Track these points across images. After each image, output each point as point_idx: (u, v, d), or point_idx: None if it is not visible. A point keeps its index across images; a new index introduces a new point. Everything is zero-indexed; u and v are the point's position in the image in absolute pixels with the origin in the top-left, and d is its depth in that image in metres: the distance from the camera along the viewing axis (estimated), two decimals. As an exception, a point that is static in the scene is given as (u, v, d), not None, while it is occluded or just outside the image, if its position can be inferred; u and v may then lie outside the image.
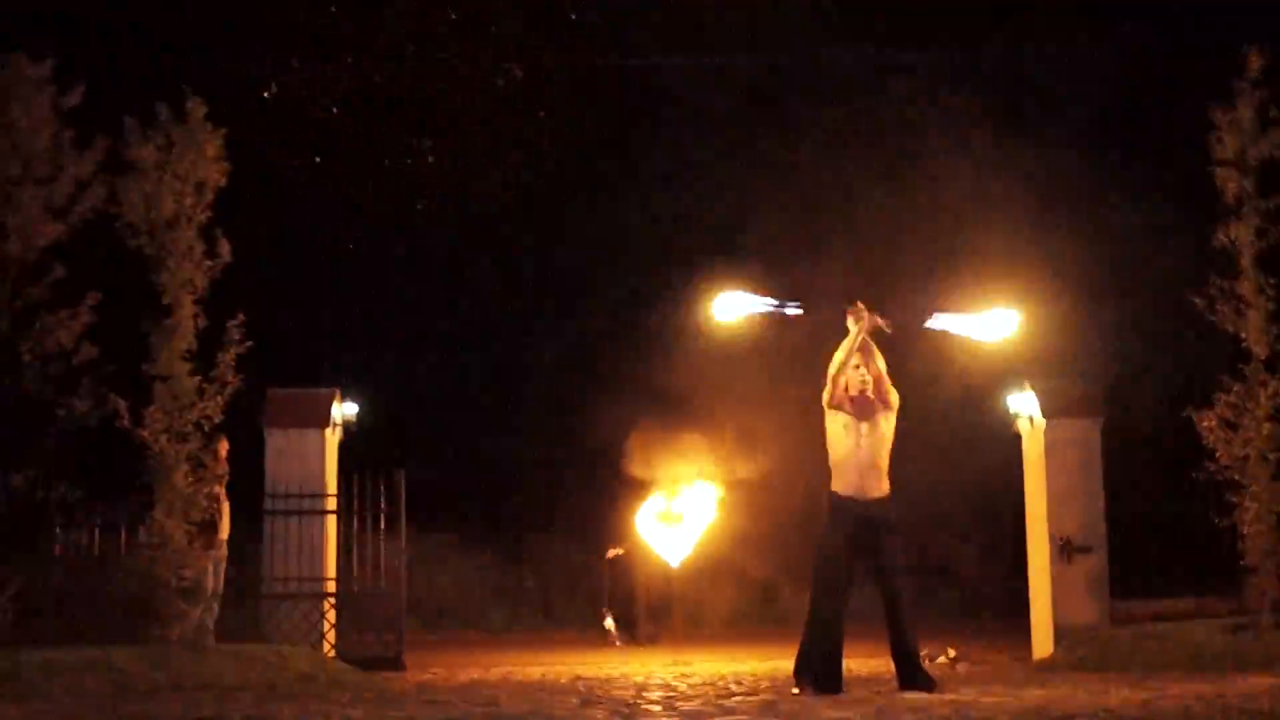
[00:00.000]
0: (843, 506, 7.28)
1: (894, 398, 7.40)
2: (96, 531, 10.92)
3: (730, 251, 19.60)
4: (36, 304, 9.69)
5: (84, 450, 10.05)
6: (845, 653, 7.29)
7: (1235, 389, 9.65)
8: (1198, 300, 9.80)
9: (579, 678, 9.79)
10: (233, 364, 9.68)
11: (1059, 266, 19.99)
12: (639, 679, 9.41)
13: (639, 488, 17.24)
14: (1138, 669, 8.82)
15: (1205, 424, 9.71)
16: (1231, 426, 9.65)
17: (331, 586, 11.39)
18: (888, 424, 7.38)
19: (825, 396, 7.40)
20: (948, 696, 6.84)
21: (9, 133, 9.62)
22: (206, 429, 9.65)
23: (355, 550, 11.57)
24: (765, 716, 6.07)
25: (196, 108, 9.69)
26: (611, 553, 16.56)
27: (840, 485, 7.32)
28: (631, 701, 7.12)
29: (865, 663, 9.55)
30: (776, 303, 7.76)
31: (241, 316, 9.74)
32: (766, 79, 22.31)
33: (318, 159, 21.11)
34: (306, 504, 11.32)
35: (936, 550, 20.26)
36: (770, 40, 21.96)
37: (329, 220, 21.82)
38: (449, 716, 6.34)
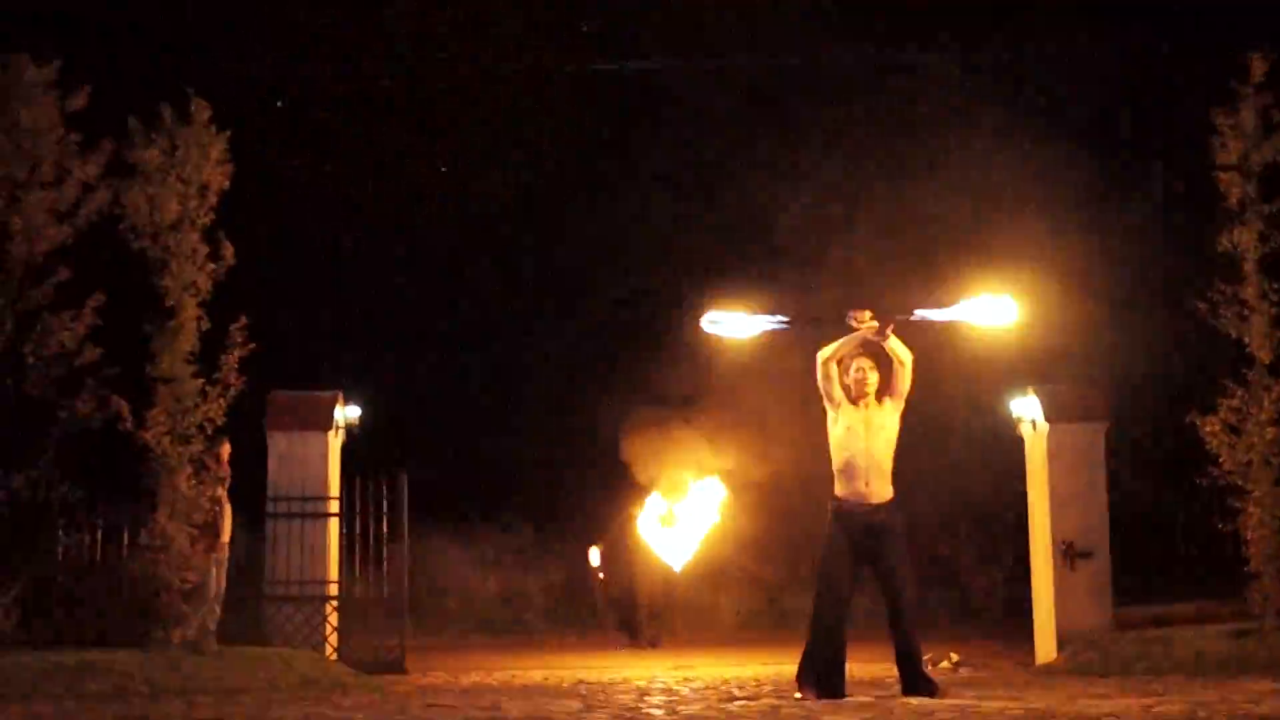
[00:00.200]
0: (845, 511, 7.27)
1: (904, 384, 7.31)
2: (99, 534, 10.93)
3: (732, 252, 19.62)
4: (40, 306, 9.70)
5: (86, 452, 10.06)
6: (848, 657, 7.28)
7: (1238, 394, 9.64)
8: (1201, 305, 9.79)
9: (581, 681, 9.79)
10: (235, 366, 9.68)
11: (1062, 271, 19.98)
12: (641, 683, 9.41)
13: (641, 489, 17.22)
14: (1141, 674, 8.81)
15: (1208, 429, 9.70)
16: (1235, 431, 9.64)
17: (334, 589, 11.39)
18: (894, 425, 7.35)
19: (821, 385, 7.33)
20: (950, 701, 6.83)
21: (16, 135, 9.64)
22: (209, 431, 9.65)
23: (357, 553, 11.56)
24: (768, 721, 6.06)
25: (200, 110, 9.70)
26: (593, 555, 16.55)
27: (843, 489, 7.31)
28: (633, 705, 7.12)
29: (868, 667, 9.54)
30: (765, 319, 7.75)
31: (244, 319, 9.73)
32: (766, 79, 22.32)
33: (319, 161, 21.14)
34: (309, 507, 11.32)
35: (939, 555, 20.25)
36: (769, 41, 21.99)
37: (331, 223, 21.85)
38: (452, 720, 6.33)
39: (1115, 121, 20.46)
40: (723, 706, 6.94)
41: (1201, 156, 10.09)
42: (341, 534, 11.53)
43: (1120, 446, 12.03)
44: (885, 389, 7.37)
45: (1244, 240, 9.72)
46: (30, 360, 9.58)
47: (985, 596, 19.89)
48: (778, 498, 17.90)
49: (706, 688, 8.77)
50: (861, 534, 7.21)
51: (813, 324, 7.86)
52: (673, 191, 22.91)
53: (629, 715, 6.47)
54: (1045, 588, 11.41)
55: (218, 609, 10.15)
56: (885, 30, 21.94)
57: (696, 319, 7.91)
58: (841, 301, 7.73)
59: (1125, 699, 6.78)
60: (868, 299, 7.64)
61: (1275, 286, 9.64)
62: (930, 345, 8.76)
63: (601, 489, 18.23)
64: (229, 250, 9.72)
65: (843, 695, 7.08)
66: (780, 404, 17.05)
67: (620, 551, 16.48)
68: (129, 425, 9.45)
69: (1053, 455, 11.40)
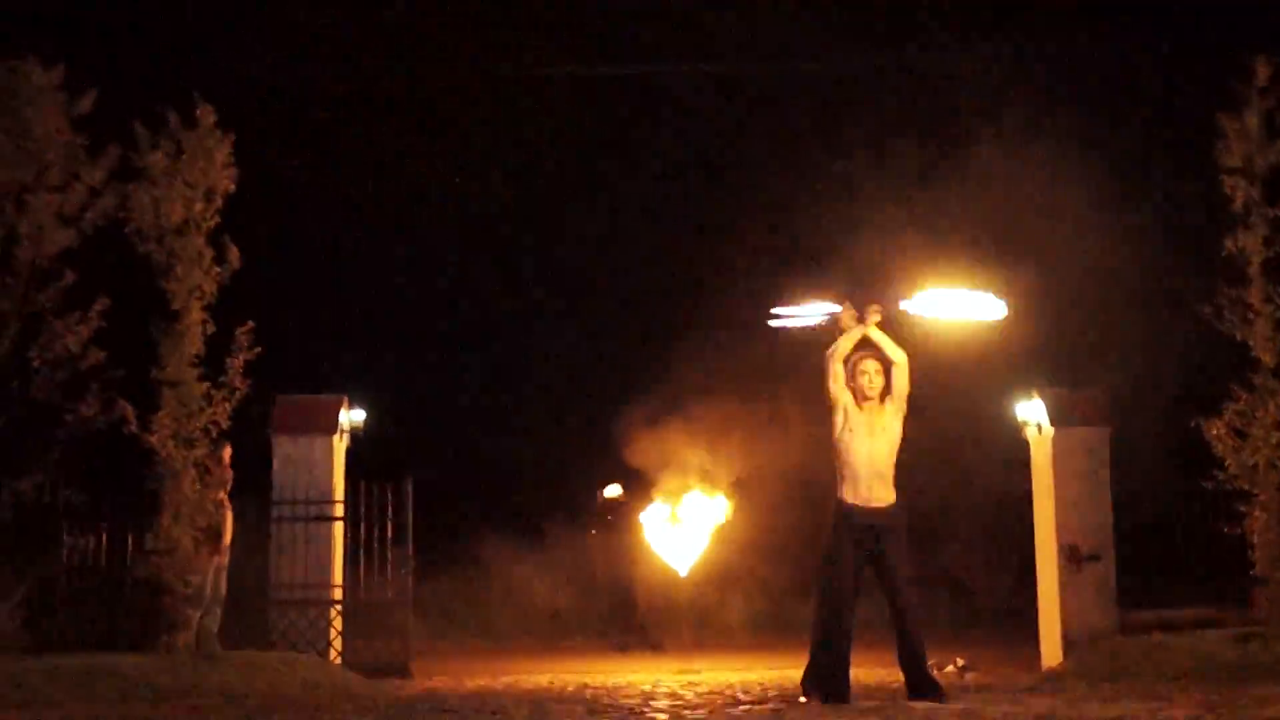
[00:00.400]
0: (849, 514, 7.26)
1: (901, 384, 7.31)
2: (104, 537, 10.94)
3: (737, 254, 19.62)
4: (46, 310, 9.72)
5: (91, 456, 10.07)
6: (853, 661, 7.27)
7: (1244, 397, 9.63)
8: (1206, 308, 9.78)
9: (586, 686, 9.78)
10: (241, 370, 9.68)
11: (1067, 275, 19.96)
12: (646, 687, 9.40)
13: (646, 494, 17.21)
14: (1147, 678, 8.78)
15: (1214, 432, 9.68)
16: (1240, 435, 9.63)
17: (339, 593, 11.39)
18: (897, 426, 7.34)
19: (827, 383, 7.32)
20: (956, 705, 6.82)
21: (24, 139, 9.66)
22: (214, 435, 9.65)
23: (362, 557, 11.56)
24: (773, 725, 6.05)
25: (206, 114, 9.71)
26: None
27: (847, 493, 7.30)
28: (638, 710, 7.11)
29: (873, 672, 9.52)
30: (825, 306, 7.66)
31: (250, 323, 9.74)
32: (768, 80, 22.36)
33: (322, 164, 21.17)
34: (314, 510, 11.32)
35: (945, 558, 20.21)
36: (769, 43, 22.02)
37: (335, 227, 21.89)
38: (456, 724, 6.32)
39: (1120, 124, 20.43)
40: (728, 711, 6.93)
41: (1207, 159, 10.09)
42: (347, 538, 11.54)
43: (1125, 450, 12.00)
44: (888, 391, 7.37)
45: (1248, 244, 9.71)
46: (36, 364, 9.60)
47: (991, 600, 19.85)
48: (782, 501, 17.88)
49: (711, 692, 8.76)
50: (864, 537, 7.19)
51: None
52: (674, 192, 22.96)
53: None
54: (1051, 591, 11.39)
55: (219, 612, 10.14)
56: (885, 32, 21.98)
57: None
58: (853, 295, 7.70)
59: (1131, 703, 6.76)
60: (859, 293, 7.62)
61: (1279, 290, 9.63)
62: (934, 348, 8.73)
63: (605, 492, 18.24)
64: (234, 254, 9.73)
65: (847, 699, 7.07)
66: (786, 407, 17.05)
67: (623, 555, 16.48)
68: (134, 429, 9.45)
69: (1058, 459, 11.39)
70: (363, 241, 22.52)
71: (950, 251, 20.20)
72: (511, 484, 20.94)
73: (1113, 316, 19.75)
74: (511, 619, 19.50)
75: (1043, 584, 11.60)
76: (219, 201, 9.76)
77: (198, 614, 9.83)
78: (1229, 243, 9.78)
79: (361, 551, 11.57)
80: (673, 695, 8.48)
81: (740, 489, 17.47)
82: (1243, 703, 6.57)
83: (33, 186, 9.74)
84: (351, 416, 11.84)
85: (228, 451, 10.02)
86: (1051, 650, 11.26)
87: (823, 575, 7.30)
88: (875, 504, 7.24)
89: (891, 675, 8.27)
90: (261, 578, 11.39)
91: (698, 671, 11.52)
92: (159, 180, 9.56)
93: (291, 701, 8.39)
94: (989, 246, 20.10)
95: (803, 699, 7.23)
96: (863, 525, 7.21)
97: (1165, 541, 11.39)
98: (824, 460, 7.58)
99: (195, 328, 9.59)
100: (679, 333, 19.89)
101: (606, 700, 8.03)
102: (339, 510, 11.49)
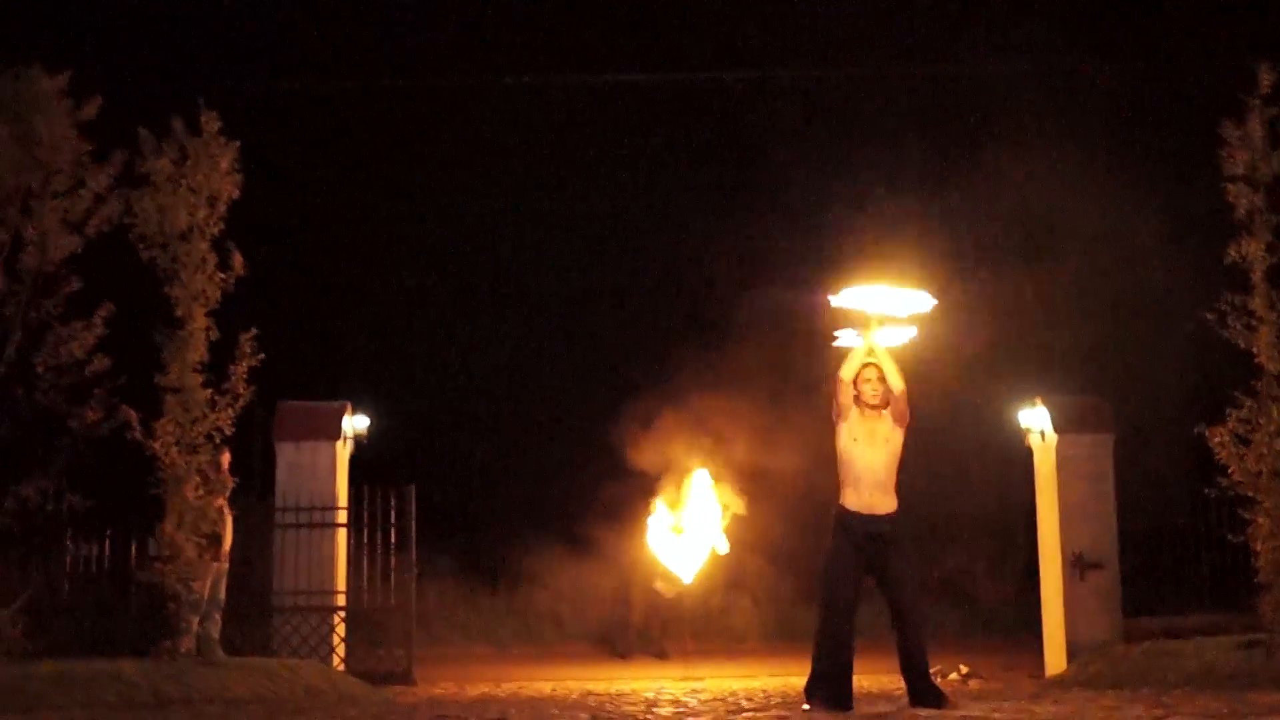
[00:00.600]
0: (851, 521, 7.26)
1: (901, 410, 7.35)
2: (107, 543, 10.94)
3: (746, 262, 19.64)
4: (51, 316, 9.73)
5: (95, 462, 10.07)
6: (856, 669, 7.26)
7: (1247, 404, 9.61)
8: (1210, 316, 9.77)
9: (589, 693, 9.77)
10: (244, 376, 9.69)
11: (1071, 282, 19.98)
12: (649, 694, 9.39)
13: (650, 501, 17.20)
14: (1150, 686, 8.77)
15: (1217, 440, 9.66)
16: (1244, 442, 9.61)
17: (341, 600, 11.38)
18: (899, 438, 7.36)
19: (835, 405, 7.35)
20: (959, 713, 6.81)
21: (30, 145, 9.68)
22: (217, 441, 9.66)
23: (365, 564, 11.56)
24: (776, 732, 6.05)
25: (211, 121, 9.73)
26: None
27: (849, 500, 7.30)
28: (641, 717, 7.11)
29: (876, 679, 9.52)
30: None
31: (254, 329, 9.74)
32: (776, 84, 22.41)
33: (328, 171, 21.21)
34: (317, 517, 11.32)
35: (948, 566, 20.19)
36: (759, 55, 22.07)
37: (338, 233, 21.92)
38: (459, 730, 6.32)
39: (1124, 132, 20.45)
40: (730, 718, 6.93)
41: (1211, 167, 10.09)
42: (349, 545, 11.54)
43: (1129, 457, 11.99)
44: (888, 403, 7.38)
45: (1252, 251, 9.70)
46: (40, 369, 9.61)
47: (994, 607, 19.82)
48: (787, 508, 17.88)
49: (714, 699, 8.76)
50: (866, 544, 7.19)
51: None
52: (678, 195, 23.01)
53: (636, 726, 6.46)
54: (1054, 599, 11.37)
55: (219, 618, 10.15)
56: (886, 39, 22.03)
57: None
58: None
59: (1135, 710, 6.75)
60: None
61: (1284, 297, 9.62)
62: (938, 355, 8.74)
63: (612, 502, 18.23)
64: (238, 260, 9.74)
65: (850, 707, 7.06)
66: (790, 415, 17.04)
67: (628, 563, 16.47)
68: (137, 434, 9.46)
69: (1061, 465, 11.38)
70: (366, 246, 22.56)
71: (954, 257, 20.26)
72: (521, 494, 20.93)
73: (1116, 324, 19.75)
74: (514, 625, 19.49)
75: (1046, 591, 11.59)
76: (223, 208, 9.77)
77: (197, 620, 9.83)
78: (1232, 250, 9.77)
79: (364, 558, 11.57)
80: (676, 702, 8.47)
81: (745, 496, 17.46)
82: (1246, 710, 6.56)
83: (38, 192, 9.76)
84: (354, 423, 11.84)
85: (226, 457, 10.02)
86: (1055, 658, 11.24)
87: (824, 583, 7.30)
88: (877, 512, 7.24)
89: (895, 682, 8.26)
90: (265, 584, 11.38)
91: (700, 679, 11.51)
92: (164, 186, 9.57)
93: (294, 708, 8.39)
94: (996, 253, 20.16)
95: (806, 706, 7.22)
96: (864, 533, 7.20)
97: (1169, 549, 11.37)
98: (829, 467, 7.58)
99: (199, 334, 9.60)
100: (685, 337, 19.94)
101: (609, 707, 8.03)
102: (342, 516, 11.49)
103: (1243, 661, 8.94)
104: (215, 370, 9.68)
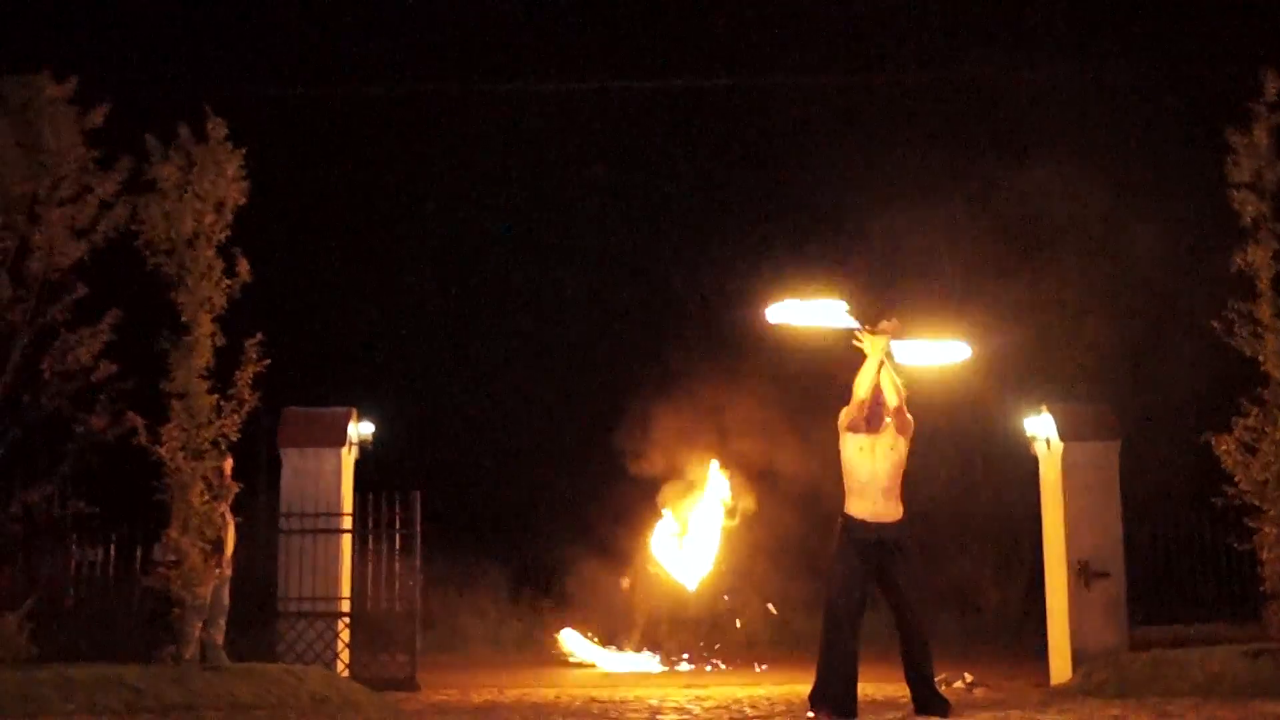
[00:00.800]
0: (856, 530, 7.26)
1: (903, 421, 7.37)
2: (112, 549, 10.95)
3: (755, 271, 19.64)
4: (58, 322, 9.76)
5: (101, 467, 10.09)
6: (861, 677, 7.26)
7: (1254, 413, 9.60)
8: (1216, 324, 9.76)
9: (593, 699, 9.76)
10: (250, 382, 9.70)
11: (1078, 289, 19.96)
12: (653, 701, 9.39)
13: (656, 507, 17.20)
14: (1156, 695, 8.75)
15: (1224, 448, 9.65)
16: (1250, 450, 9.59)
17: (346, 606, 11.39)
18: (903, 446, 7.36)
19: (843, 420, 7.37)
20: (964, 721, 6.80)
21: (37, 152, 9.71)
22: (223, 447, 9.67)
23: (370, 570, 11.56)
24: (780, 740, 6.04)
25: (217, 128, 9.75)
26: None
27: (854, 508, 7.30)
28: (646, 724, 7.10)
29: (881, 687, 9.49)
30: (834, 309, 7.61)
31: (260, 335, 9.76)
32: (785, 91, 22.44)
33: (334, 177, 21.27)
34: (322, 523, 11.33)
35: (953, 574, 20.14)
36: (759, 61, 22.12)
37: (345, 239, 21.97)
38: (463, 737, 6.32)
39: (1130, 139, 20.43)
40: (734, 725, 6.92)
41: (1217, 174, 10.08)
42: (354, 551, 11.54)
43: (1135, 465, 11.96)
44: (897, 415, 7.38)
45: (1258, 258, 9.69)
46: (47, 375, 9.63)
47: (1000, 616, 19.77)
48: (794, 514, 17.86)
49: (718, 706, 8.75)
50: (871, 552, 7.19)
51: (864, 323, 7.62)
52: (682, 207, 23.04)
53: (640, 733, 6.45)
54: (1060, 607, 11.35)
55: (224, 624, 10.15)
56: (890, 47, 22.07)
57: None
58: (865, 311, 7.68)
59: (1140, 719, 6.74)
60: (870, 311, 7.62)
61: (1290, 305, 9.60)
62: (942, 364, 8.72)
63: (618, 508, 18.23)
64: (244, 266, 9.75)
65: (855, 715, 7.06)
66: (798, 422, 17.03)
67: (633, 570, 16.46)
68: (143, 440, 9.47)
69: (1067, 473, 11.35)
70: (372, 252, 22.59)
71: (958, 264, 20.24)
72: (525, 500, 20.92)
73: (1122, 331, 19.72)
74: (519, 630, 19.47)
75: (1052, 599, 11.56)
76: (229, 214, 9.79)
77: (200, 625, 9.84)
78: (1238, 258, 9.76)
79: (369, 564, 11.57)
80: (680, 710, 8.46)
81: (750, 504, 17.45)
82: (1253, 719, 6.55)
83: (45, 198, 9.80)
84: (360, 429, 11.85)
85: (229, 464, 10.03)
86: (1061, 666, 11.21)
87: (830, 590, 7.30)
88: (882, 519, 7.24)
89: (900, 690, 8.25)
90: (269, 590, 11.38)
91: (705, 686, 11.49)
92: (170, 193, 9.59)
93: (298, 714, 8.40)
94: (1001, 261, 20.14)
95: (810, 714, 7.22)
96: (869, 541, 7.21)
97: (1175, 557, 11.34)
98: (834, 474, 7.59)
99: (205, 340, 9.61)
100: (694, 343, 19.93)
101: (614, 714, 8.03)
102: (347, 523, 11.49)
103: (1249, 671, 8.92)
104: (221, 376, 9.69)
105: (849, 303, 7.49)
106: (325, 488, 11.42)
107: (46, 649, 9.66)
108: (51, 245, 9.70)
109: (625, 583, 16.59)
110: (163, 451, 9.43)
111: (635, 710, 8.37)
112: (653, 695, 10.13)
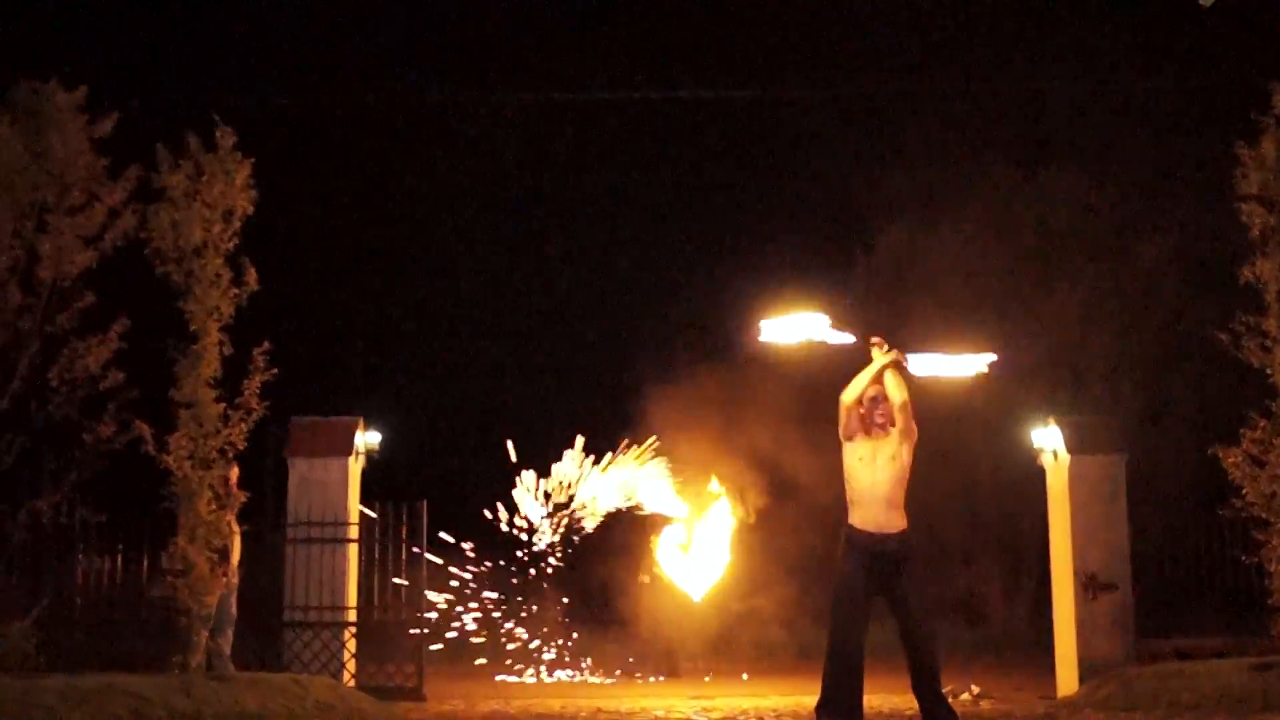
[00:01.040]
0: (860, 540, 7.24)
1: (904, 423, 7.32)
2: (119, 557, 10.96)
3: (757, 280, 19.65)
4: (66, 330, 9.77)
5: (108, 476, 10.09)
6: (867, 688, 7.23)
7: (1262, 425, 9.58)
8: (1224, 336, 9.74)
9: (599, 710, 9.75)
10: (257, 391, 9.71)
11: (1084, 303, 19.95)
12: (659, 712, 9.37)
13: (662, 518, 17.17)
14: (1163, 708, 8.72)
15: (1231, 460, 9.63)
16: (1258, 463, 9.57)
17: (352, 615, 11.38)
18: (906, 455, 7.33)
19: (840, 427, 7.35)
20: (970, 734, 6.78)
21: (46, 160, 9.73)
22: (230, 456, 9.68)
23: (376, 579, 11.56)
24: (786, 751, 6.02)
25: (226, 137, 9.77)
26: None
27: (858, 519, 7.28)
28: (651, 734, 7.09)
29: (888, 698, 9.47)
30: (824, 326, 7.61)
31: (267, 345, 9.77)
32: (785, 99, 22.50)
33: (342, 187, 21.32)
34: (328, 532, 11.33)
35: (959, 586, 20.10)
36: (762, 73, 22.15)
37: (353, 250, 22.02)
38: (468, 747, 6.31)
39: (1138, 151, 20.43)
40: (740, 736, 6.90)
41: (1225, 187, 10.08)
42: (361, 560, 11.54)
43: (1142, 478, 11.94)
44: (902, 422, 7.35)
45: (1266, 271, 9.68)
46: (55, 384, 9.64)
47: (1006, 628, 19.72)
48: (800, 526, 17.84)
49: (725, 718, 8.73)
50: (874, 563, 7.17)
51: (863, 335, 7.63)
52: (688, 218, 23.05)
53: (646, 744, 6.44)
54: (1067, 619, 11.32)
55: (230, 633, 10.15)
56: (890, 55, 22.12)
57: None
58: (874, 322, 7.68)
59: (1147, 733, 6.71)
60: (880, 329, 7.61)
61: (1297, 317, 9.58)
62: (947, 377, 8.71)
63: (624, 518, 18.21)
64: (252, 275, 9.77)
65: (861, 726, 7.03)
66: (802, 431, 17.03)
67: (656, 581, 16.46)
68: (151, 449, 9.48)
69: (1074, 486, 11.33)
70: (380, 262, 22.64)
71: (970, 280, 20.22)
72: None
73: (1130, 343, 19.70)
74: (526, 643, 19.44)
75: (1058, 611, 11.53)
76: (238, 223, 9.80)
77: (206, 634, 9.84)
78: (1246, 270, 9.75)
79: (375, 573, 11.57)
80: (686, 720, 8.45)
81: (757, 514, 17.43)
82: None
83: (54, 207, 9.82)
84: (367, 439, 11.85)
85: (235, 473, 10.03)
86: (1067, 678, 11.18)
87: (834, 602, 7.28)
88: (885, 530, 7.22)
89: (906, 702, 8.23)
90: (276, 599, 11.38)
91: (711, 697, 11.47)
92: (178, 202, 9.60)
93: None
94: (1005, 275, 20.14)
95: (816, 725, 7.19)
96: (874, 552, 7.19)
97: (1182, 570, 11.31)
98: (838, 485, 7.57)
99: (213, 349, 9.62)
100: (696, 351, 19.95)
101: (619, 725, 8.01)
102: (353, 532, 11.50)
103: (1256, 684, 8.88)
104: (228, 385, 9.70)
105: (832, 319, 7.47)
106: (332, 497, 11.42)
107: (53, 657, 9.66)
108: (60, 253, 9.72)
109: (644, 579, 16.54)
110: (170, 460, 9.44)
111: (641, 721, 8.36)
112: (658, 706, 10.12)
